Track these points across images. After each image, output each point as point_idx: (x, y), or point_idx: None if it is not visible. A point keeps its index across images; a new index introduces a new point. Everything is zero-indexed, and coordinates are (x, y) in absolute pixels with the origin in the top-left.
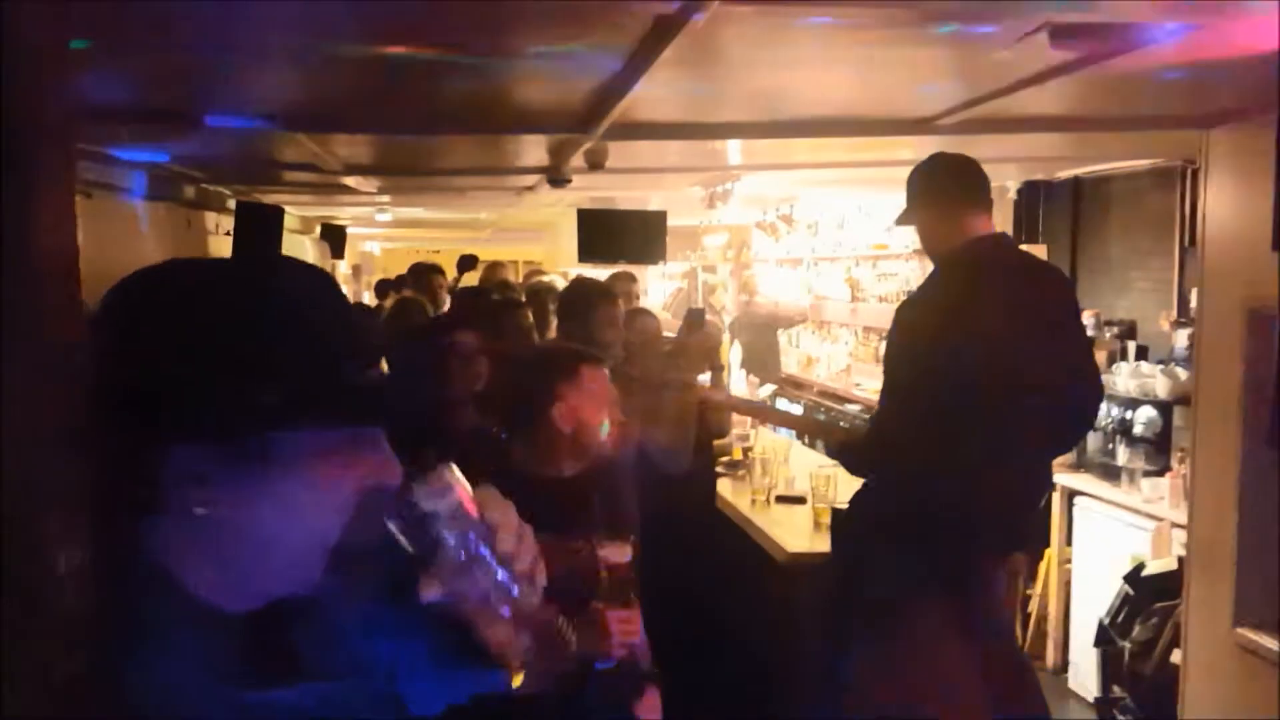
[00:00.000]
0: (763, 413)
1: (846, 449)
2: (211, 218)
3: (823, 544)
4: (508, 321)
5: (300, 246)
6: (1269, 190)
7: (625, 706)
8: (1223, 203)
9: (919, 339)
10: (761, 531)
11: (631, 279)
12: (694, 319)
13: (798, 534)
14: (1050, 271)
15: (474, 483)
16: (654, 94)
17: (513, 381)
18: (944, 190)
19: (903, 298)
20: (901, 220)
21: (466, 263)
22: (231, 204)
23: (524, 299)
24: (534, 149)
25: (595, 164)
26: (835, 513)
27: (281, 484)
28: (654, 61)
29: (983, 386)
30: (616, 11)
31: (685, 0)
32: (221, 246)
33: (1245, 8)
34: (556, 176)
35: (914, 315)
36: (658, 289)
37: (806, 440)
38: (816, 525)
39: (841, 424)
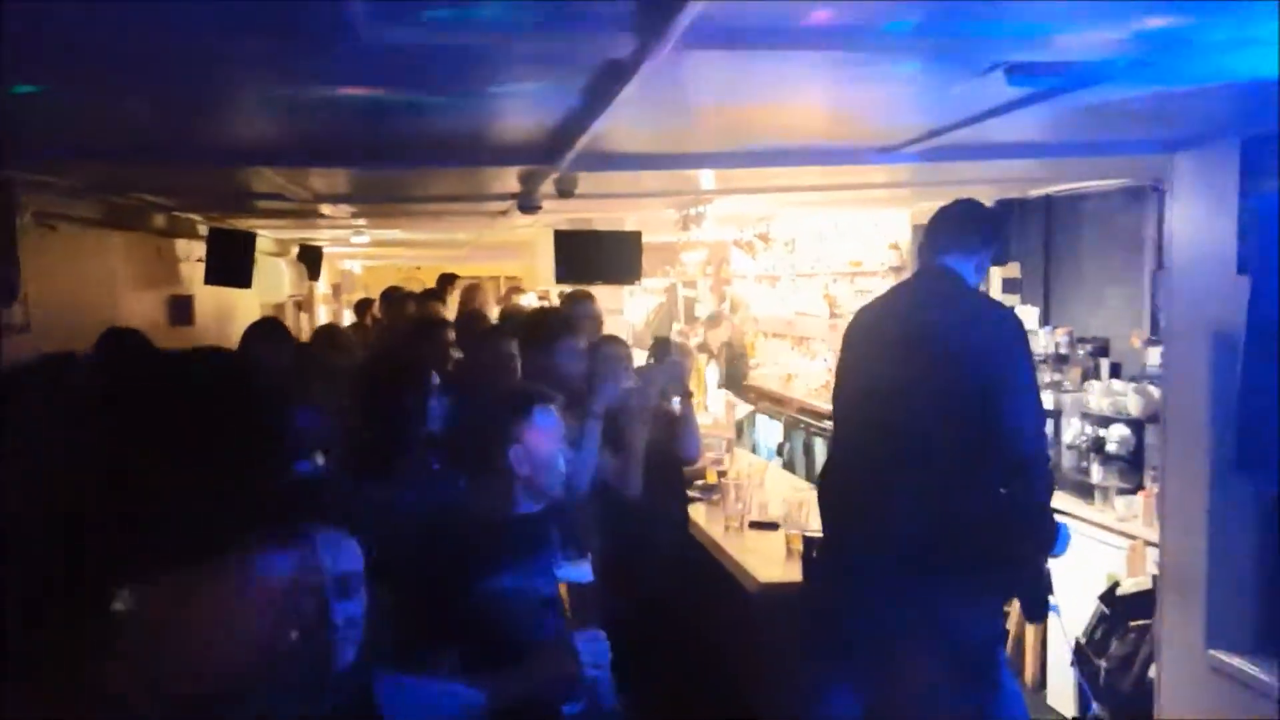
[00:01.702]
0: None
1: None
2: (183, 245)
3: (796, 573)
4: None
5: (276, 269)
6: (1234, 214)
7: None
8: (1189, 226)
9: (842, 346)
10: (733, 560)
11: (589, 298)
12: (660, 350)
13: (770, 562)
14: (984, 313)
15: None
16: (622, 125)
17: (468, 426)
18: (926, 231)
19: None
20: None
21: (444, 281)
22: (204, 230)
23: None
24: (505, 177)
25: (565, 192)
26: (807, 540)
27: (197, 586)
28: (613, 99)
29: (857, 406)
30: (572, 54)
31: (638, 46)
32: (195, 273)
33: (1198, 43)
34: (527, 203)
35: (847, 326)
36: (640, 304)
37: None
38: (789, 553)
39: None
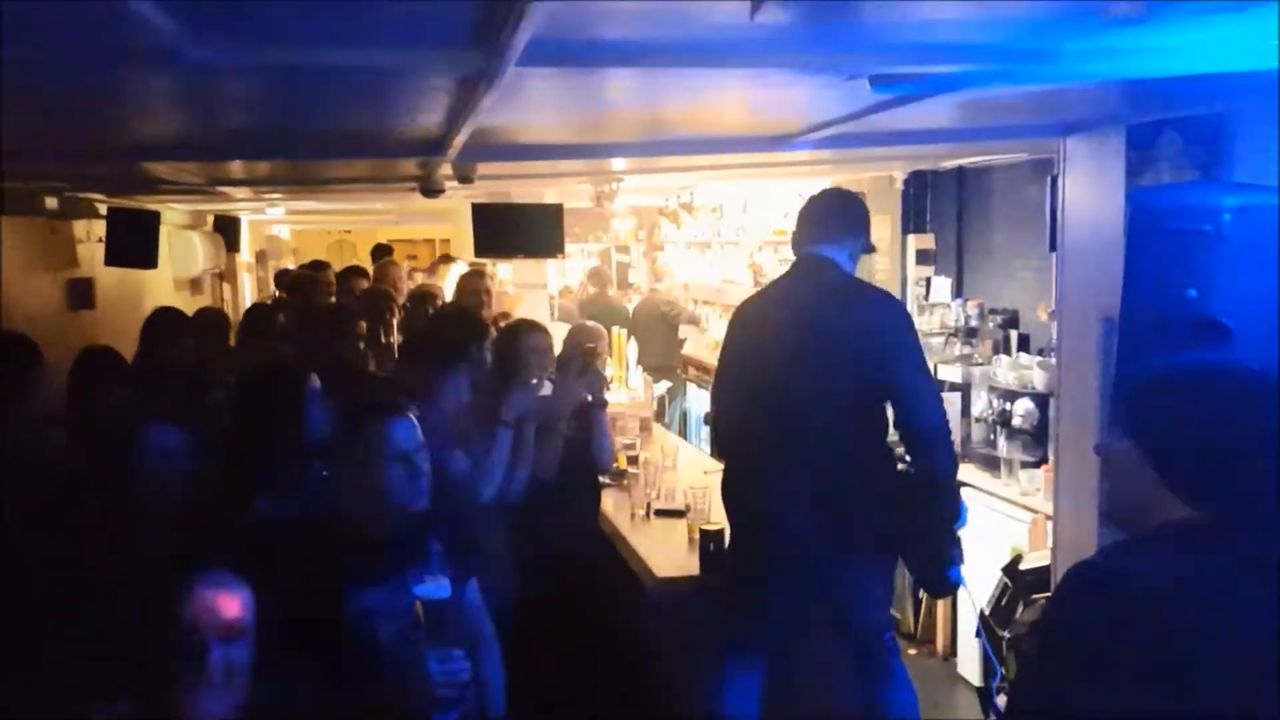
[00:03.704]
0: None
1: None
2: (81, 225)
3: (696, 566)
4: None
5: (189, 242)
6: (1120, 199)
7: None
8: (1079, 208)
9: (728, 335)
10: (635, 552)
11: (481, 275)
12: (575, 361)
13: (672, 555)
14: (865, 297)
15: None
16: (519, 117)
17: (336, 419)
18: (798, 220)
19: None
20: None
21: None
22: (104, 210)
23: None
24: (404, 163)
25: (464, 178)
26: (704, 534)
27: None
28: (478, 106)
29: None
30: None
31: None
32: (94, 254)
33: (1052, 53)
34: (428, 187)
35: (733, 315)
36: (575, 266)
37: None
38: (691, 544)
39: None
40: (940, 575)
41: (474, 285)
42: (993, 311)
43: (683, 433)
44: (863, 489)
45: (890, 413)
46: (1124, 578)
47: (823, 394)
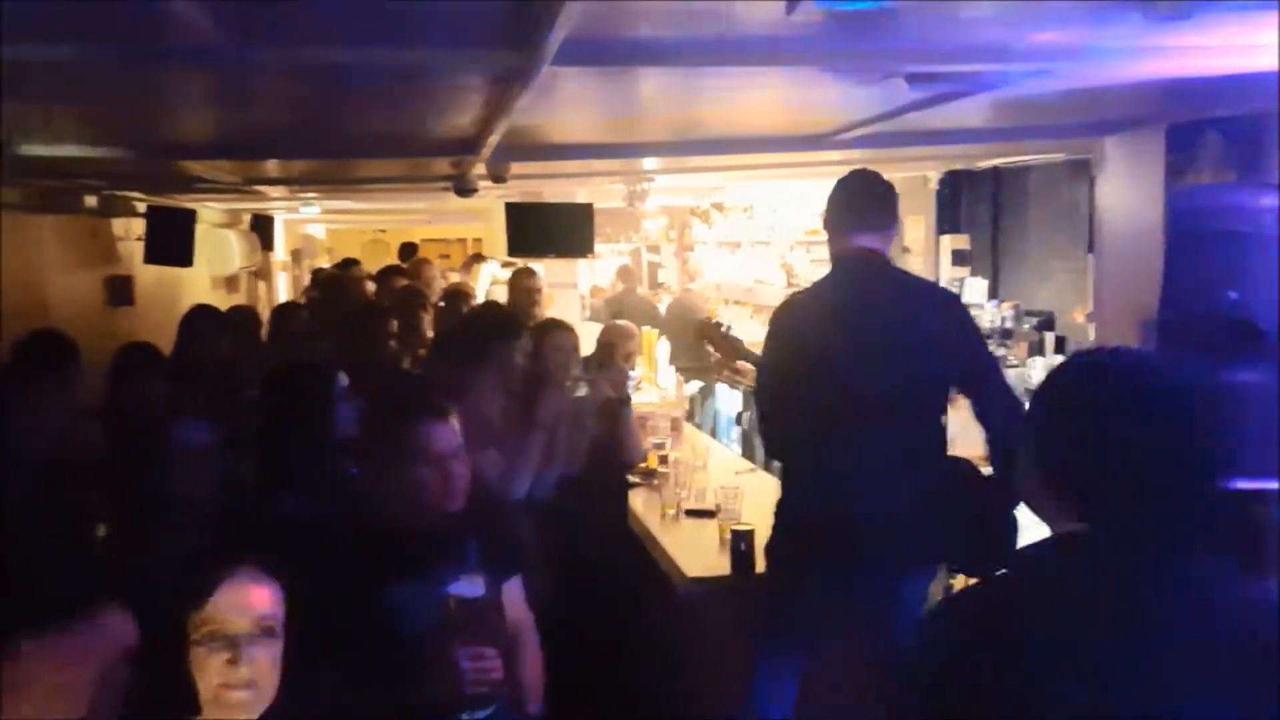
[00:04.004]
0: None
1: None
2: (121, 223)
3: (726, 566)
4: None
5: (226, 240)
6: (1159, 200)
7: None
8: (1117, 209)
9: (777, 338)
10: (665, 552)
11: (532, 274)
12: (604, 355)
13: (703, 553)
14: (927, 291)
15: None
16: (552, 117)
17: (367, 420)
18: (831, 207)
19: None
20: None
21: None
22: (143, 208)
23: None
24: (438, 163)
25: (498, 177)
26: (735, 534)
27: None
28: (513, 106)
29: (817, 386)
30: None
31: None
32: (133, 251)
33: (1091, 50)
34: (462, 187)
35: (778, 315)
36: (605, 266)
37: None
38: (722, 544)
39: None
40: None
41: (526, 284)
42: (1028, 313)
43: (713, 433)
44: (937, 486)
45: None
46: (984, 607)
47: (903, 394)
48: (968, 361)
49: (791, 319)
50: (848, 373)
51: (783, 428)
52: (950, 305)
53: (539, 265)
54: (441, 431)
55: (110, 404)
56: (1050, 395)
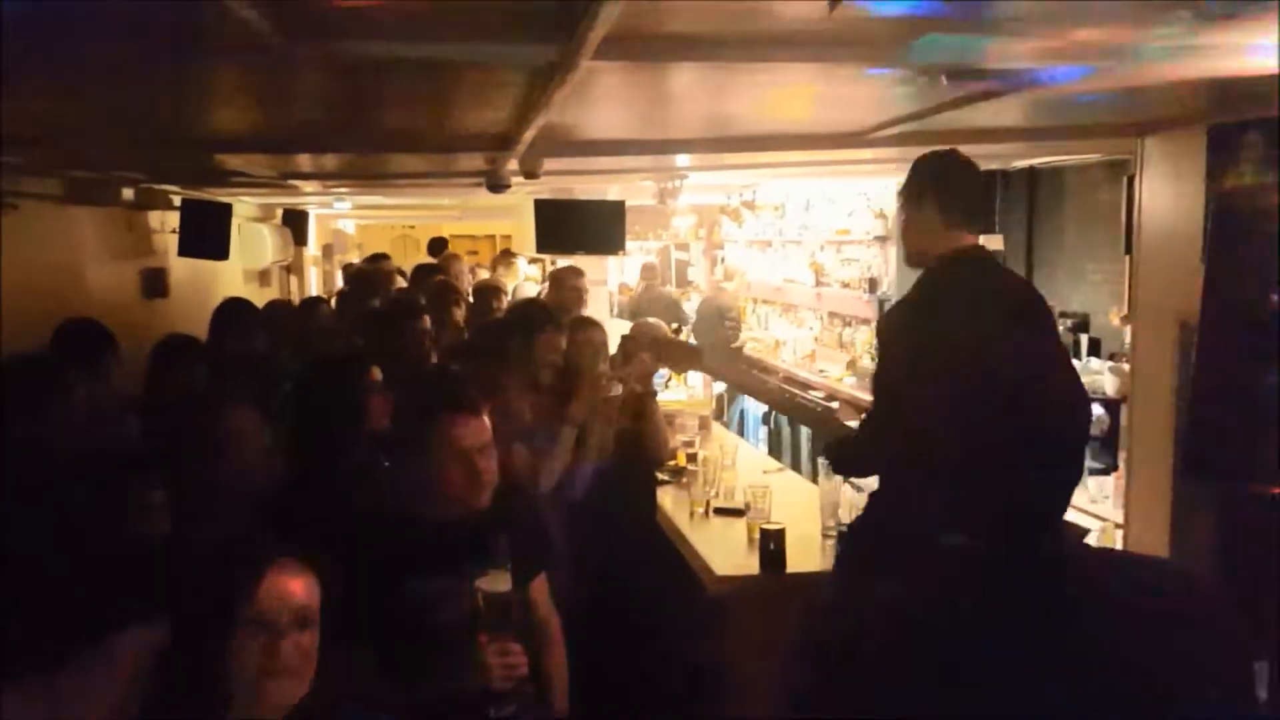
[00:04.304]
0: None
1: (836, 449)
2: (156, 217)
3: (754, 565)
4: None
5: (259, 235)
6: (1199, 201)
7: None
8: (1156, 210)
9: (913, 349)
10: (693, 550)
11: (578, 272)
12: (629, 347)
13: (732, 551)
14: (1030, 289)
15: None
16: (586, 114)
17: (398, 415)
18: (929, 197)
19: (864, 284)
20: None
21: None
22: (178, 201)
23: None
24: (472, 157)
25: (530, 173)
26: (765, 534)
27: None
28: (551, 100)
29: (980, 401)
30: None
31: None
32: (170, 244)
33: (1137, 49)
34: (494, 182)
35: (906, 325)
36: (634, 264)
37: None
38: (750, 542)
39: (819, 407)
40: None
41: (570, 280)
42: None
43: (740, 432)
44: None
45: None
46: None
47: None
48: (1062, 361)
49: (930, 328)
50: (1018, 384)
51: (925, 449)
52: (1046, 306)
53: (566, 262)
54: (472, 426)
55: (151, 394)
56: None
